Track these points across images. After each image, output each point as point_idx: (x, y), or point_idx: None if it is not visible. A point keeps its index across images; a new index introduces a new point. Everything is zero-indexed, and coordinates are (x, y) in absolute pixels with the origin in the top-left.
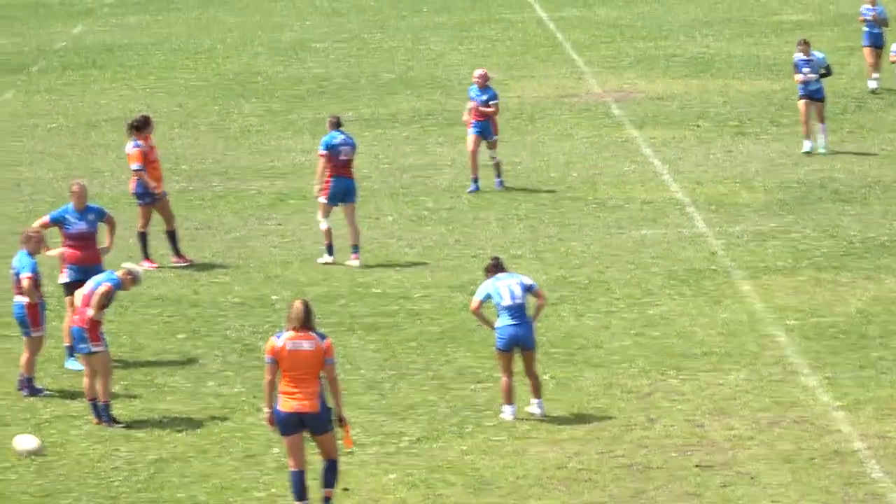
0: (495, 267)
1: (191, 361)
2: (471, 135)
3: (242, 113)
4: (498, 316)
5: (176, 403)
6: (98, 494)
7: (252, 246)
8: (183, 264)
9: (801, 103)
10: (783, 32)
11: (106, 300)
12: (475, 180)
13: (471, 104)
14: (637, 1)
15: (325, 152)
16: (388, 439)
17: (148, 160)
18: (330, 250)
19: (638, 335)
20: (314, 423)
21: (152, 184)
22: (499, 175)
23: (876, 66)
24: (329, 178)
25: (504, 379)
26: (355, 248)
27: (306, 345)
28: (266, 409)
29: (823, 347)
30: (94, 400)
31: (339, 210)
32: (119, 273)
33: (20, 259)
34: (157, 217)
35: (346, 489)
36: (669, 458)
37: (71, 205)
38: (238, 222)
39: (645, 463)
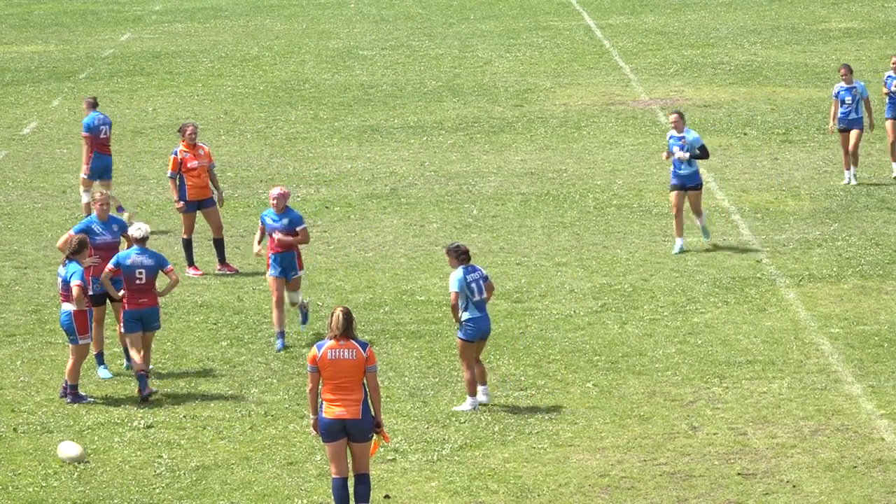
0: (466, 256)
1: (234, 368)
2: (271, 276)
3: (289, 120)
4: (465, 309)
5: (219, 410)
6: (140, 501)
7: None
8: (228, 273)
9: (673, 195)
10: (831, 40)
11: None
12: (281, 334)
13: (272, 236)
14: (684, 8)
15: (87, 134)
16: (430, 447)
17: (186, 167)
18: None
19: (681, 343)
20: (356, 430)
21: (174, 195)
22: (305, 318)
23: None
24: (90, 156)
25: (470, 372)
26: (120, 209)
27: (347, 354)
28: (311, 416)
29: (867, 356)
30: (143, 371)
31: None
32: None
33: (69, 266)
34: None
35: (387, 496)
36: (712, 467)
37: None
38: None
39: (687, 471)
